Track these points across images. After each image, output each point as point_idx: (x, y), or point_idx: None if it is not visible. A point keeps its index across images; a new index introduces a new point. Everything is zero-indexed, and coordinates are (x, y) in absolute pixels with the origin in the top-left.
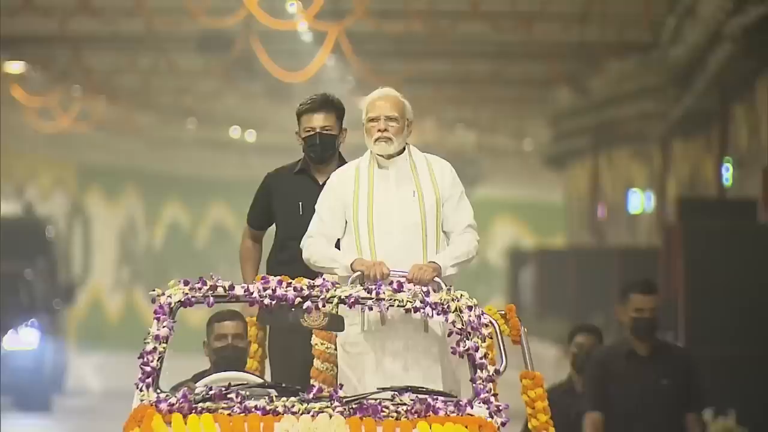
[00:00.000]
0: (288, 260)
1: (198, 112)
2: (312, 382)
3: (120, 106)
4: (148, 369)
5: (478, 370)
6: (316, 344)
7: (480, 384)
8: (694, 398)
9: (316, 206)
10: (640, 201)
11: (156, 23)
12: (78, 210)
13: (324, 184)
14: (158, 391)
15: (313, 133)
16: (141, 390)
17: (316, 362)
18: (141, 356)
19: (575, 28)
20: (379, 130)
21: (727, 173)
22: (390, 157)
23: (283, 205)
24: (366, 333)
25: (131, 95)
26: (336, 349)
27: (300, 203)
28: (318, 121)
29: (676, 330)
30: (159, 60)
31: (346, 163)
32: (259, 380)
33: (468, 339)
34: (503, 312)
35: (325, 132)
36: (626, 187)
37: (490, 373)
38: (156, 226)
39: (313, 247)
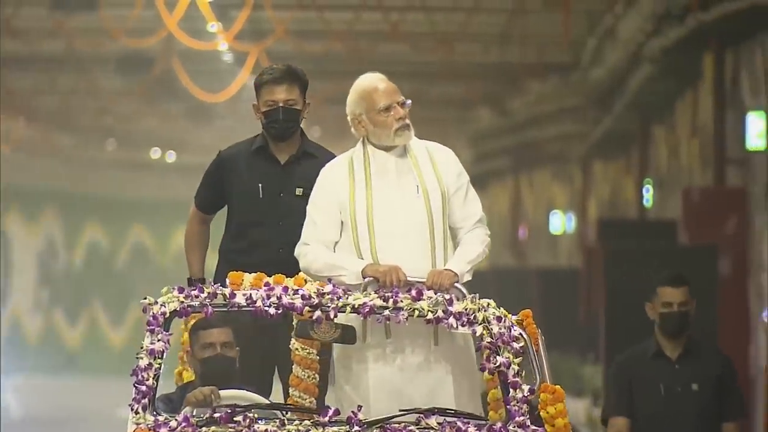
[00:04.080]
0: (246, 249)
1: (118, 133)
2: (291, 391)
3: (39, 127)
4: (143, 388)
5: (512, 390)
6: (297, 349)
7: (514, 406)
8: (731, 406)
9: (307, 209)
10: (560, 222)
11: (76, 44)
12: None
13: (286, 163)
14: (156, 413)
15: (275, 107)
16: (137, 412)
17: (296, 369)
18: (134, 373)
19: (495, 48)
20: (399, 118)
21: (647, 194)
22: (390, 148)
23: (239, 187)
24: (367, 346)
25: (51, 116)
26: (318, 355)
27: (260, 185)
28: (280, 93)
29: (596, 349)
30: (79, 80)
31: (309, 140)
32: (265, 400)
33: (498, 354)
34: (520, 319)
35: (288, 106)
36: (547, 208)
37: (525, 393)
38: (76, 247)
39: (312, 254)
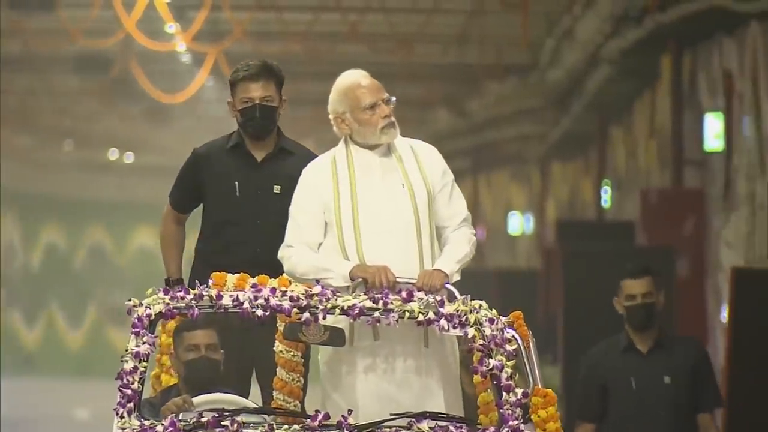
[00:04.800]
0: (223, 248)
1: (76, 134)
2: (275, 394)
3: None
4: (128, 392)
5: (505, 394)
6: (281, 351)
7: (507, 409)
8: (706, 396)
9: (290, 210)
10: (519, 223)
11: (34, 44)
12: None
13: (263, 161)
14: (142, 417)
15: (251, 104)
16: (122, 417)
17: (281, 372)
18: (119, 377)
19: (454, 50)
20: (385, 116)
21: (606, 195)
22: (374, 146)
23: (215, 186)
24: (355, 350)
25: (8, 116)
26: (303, 357)
27: (236, 183)
28: (256, 90)
29: (555, 351)
30: (36, 81)
31: (286, 137)
32: (253, 404)
33: (491, 357)
34: (511, 320)
35: (264, 103)
36: (505, 208)
37: (518, 397)
38: (33, 248)
39: (297, 257)
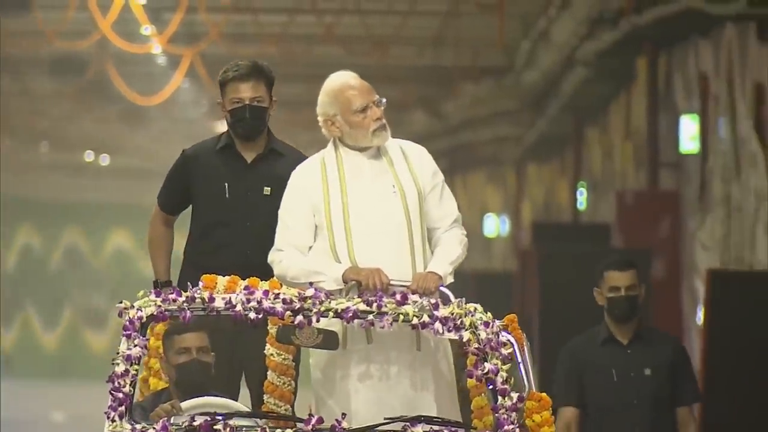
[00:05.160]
0: (212, 250)
1: (51, 136)
2: (266, 398)
3: None
4: (120, 395)
5: (500, 398)
6: (272, 355)
7: (503, 414)
8: (685, 390)
9: (279, 213)
10: (495, 225)
11: (9, 45)
12: None
13: (253, 162)
14: (133, 421)
15: (241, 105)
16: (113, 420)
17: (272, 375)
18: (110, 380)
19: (430, 52)
20: (377, 119)
21: (581, 197)
22: (364, 148)
23: (204, 187)
24: (348, 353)
25: None
26: (294, 361)
27: (225, 185)
28: (246, 91)
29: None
30: (12, 83)
31: (276, 138)
32: (246, 408)
33: (486, 361)
34: (505, 324)
35: (255, 104)
36: (481, 210)
37: (514, 401)
38: (9, 250)
39: (288, 260)
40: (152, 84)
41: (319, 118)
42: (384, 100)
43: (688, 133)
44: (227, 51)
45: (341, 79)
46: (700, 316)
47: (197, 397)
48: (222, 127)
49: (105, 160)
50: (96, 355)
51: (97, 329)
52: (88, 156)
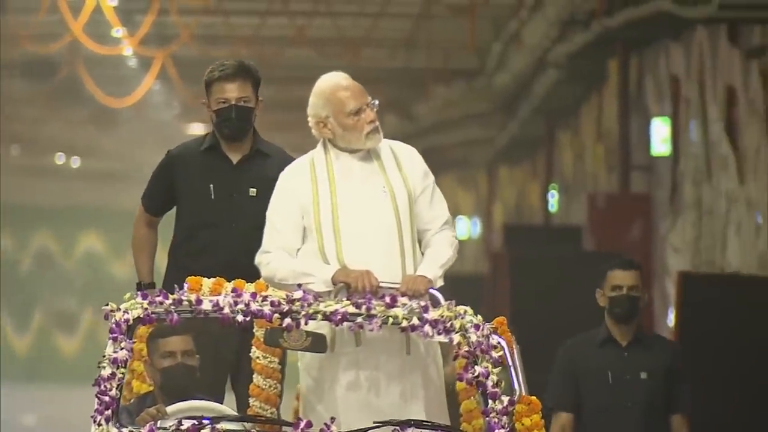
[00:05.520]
0: (198, 252)
1: (23, 139)
2: (252, 401)
3: None
4: (106, 399)
5: (491, 401)
6: (257, 358)
7: (494, 417)
8: (681, 398)
9: (267, 214)
10: (466, 227)
11: None
12: None
13: (239, 163)
14: (119, 425)
15: (227, 105)
16: (99, 424)
17: (258, 378)
18: (97, 383)
19: (401, 54)
20: (370, 121)
21: (553, 199)
22: (354, 150)
23: (190, 188)
24: (336, 356)
25: None
26: (280, 363)
27: (211, 185)
28: (232, 91)
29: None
30: None
31: (262, 139)
32: (233, 412)
33: (477, 364)
34: (494, 326)
35: (241, 104)
36: (453, 213)
37: (505, 405)
38: None
39: (276, 262)
40: (124, 86)
41: (310, 120)
42: (376, 101)
43: (660, 135)
44: (199, 53)
45: (333, 81)
46: (671, 318)
47: (183, 400)
48: (194, 129)
49: (76, 162)
50: (66, 358)
51: (66, 332)
52: (60, 158)
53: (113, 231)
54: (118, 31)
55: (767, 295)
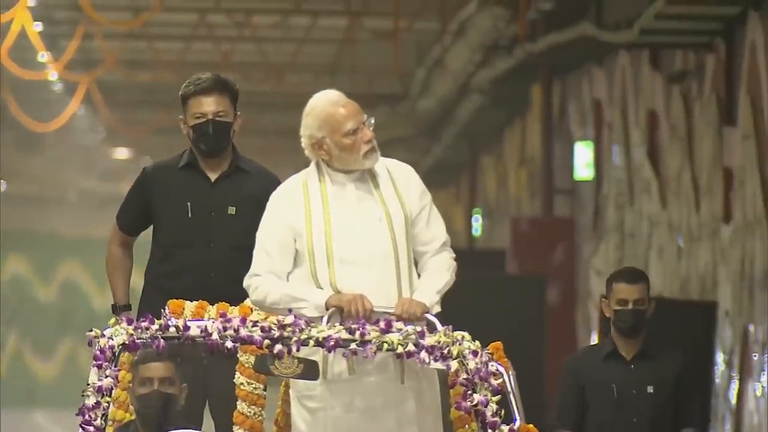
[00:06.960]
0: (174, 272)
1: None
2: (236, 429)
3: None
4: (91, 429)
5: (490, 431)
6: (242, 384)
7: None
8: (691, 411)
9: (257, 236)
10: None
11: None
12: None
13: (217, 180)
14: None
15: (204, 120)
16: None
17: (242, 406)
18: (81, 413)
19: (326, 78)
20: (368, 141)
21: (477, 223)
22: (349, 171)
23: (166, 207)
24: (329, 384)
25: None
26: (265, 389)
27: (188, 204)
28: (209, 105)
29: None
30: None
31: (241, 155)
32: None
33: (475, 392)
34: (490, 352)
35: (218, 119)
36: None
37: None
38: None
39: (266, 286)
40: (48, 110)
41: (304, 141)
42: (372, 119)
43: (583, 159)
44: (123, 77)
45: (328, 99)
46: (594, 341)
47: (161, 430)
48: (119, 153)
49: (2, 186)
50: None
51: None
52: None
53: (38, 255)
54: (44, 56)
55: (690, 318)
